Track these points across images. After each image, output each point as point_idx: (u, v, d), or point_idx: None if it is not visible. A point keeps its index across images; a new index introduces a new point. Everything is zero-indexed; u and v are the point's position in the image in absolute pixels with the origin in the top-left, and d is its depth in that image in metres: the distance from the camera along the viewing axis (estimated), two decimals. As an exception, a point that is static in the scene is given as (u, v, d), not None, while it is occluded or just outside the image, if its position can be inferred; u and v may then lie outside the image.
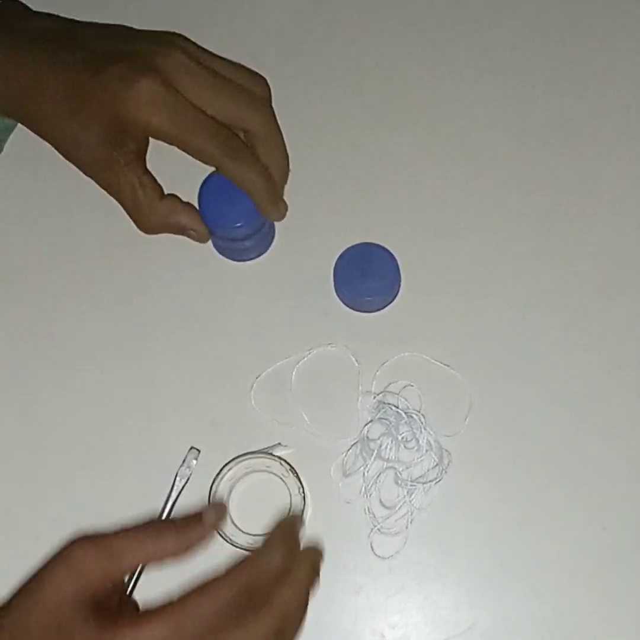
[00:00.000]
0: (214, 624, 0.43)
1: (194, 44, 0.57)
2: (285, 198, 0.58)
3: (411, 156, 0.63)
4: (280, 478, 0.56)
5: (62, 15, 0.58)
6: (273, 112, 0.57)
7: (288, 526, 0.48)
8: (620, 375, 0.59)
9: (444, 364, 0.59)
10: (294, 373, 0.59)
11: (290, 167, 0.58)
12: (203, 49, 0.57)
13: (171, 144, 0.54)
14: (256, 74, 0.58)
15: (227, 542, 0.53)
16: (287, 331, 0.60)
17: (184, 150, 0.54)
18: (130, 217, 0.56)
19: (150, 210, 0.56)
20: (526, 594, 0.56)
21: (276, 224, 0.61)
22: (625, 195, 0.63)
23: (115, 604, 0.48)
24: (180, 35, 0.57)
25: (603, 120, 0.64)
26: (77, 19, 0.58)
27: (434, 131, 0.64)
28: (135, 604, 0.51)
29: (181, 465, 0.56)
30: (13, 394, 0.59)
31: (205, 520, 0.47)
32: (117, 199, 0.56)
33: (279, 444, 0.56)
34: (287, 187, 0.59)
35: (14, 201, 0.62)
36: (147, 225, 0.57)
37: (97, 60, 0.54)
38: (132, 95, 0.52)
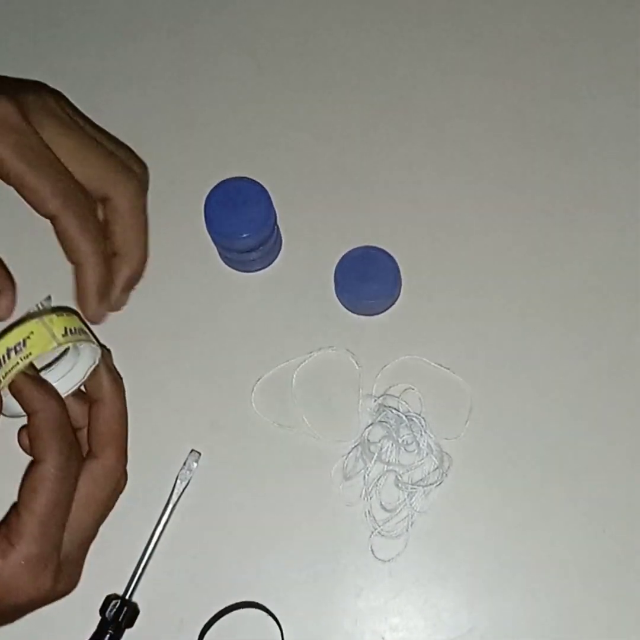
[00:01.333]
0: (60, 506, 0.44)
1: (73, 106, 0.51)
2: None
3: (412, 160, 0.63)
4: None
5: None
6: (143, 194, 0.50)
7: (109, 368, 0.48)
8: (619, 379, 0.59)
9: (445, 367, 0.59)
10: (294, 376, 0.59)
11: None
12: (84, 116, 0.51)
13: (7, 179, 0.45)
14: (137, 156, 0.52)
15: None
16: (288, 334, 0.60)
17: (20, 191, 0.45)
18: None
19: None
20: (526, 597, 0.56)
21: (279, 226, 0.61)
22: (625, 199, 0.63)
23: None
24: (59, 92, 0.51)
25: (604, 123, 0.64)
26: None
27: (435, 135, 0.64)
28: None
29: (182, 468, 0.56)
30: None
31: None
32: None
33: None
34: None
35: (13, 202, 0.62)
36: None
37: None
38: None
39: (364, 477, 0.57)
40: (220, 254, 0.60)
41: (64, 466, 0.44)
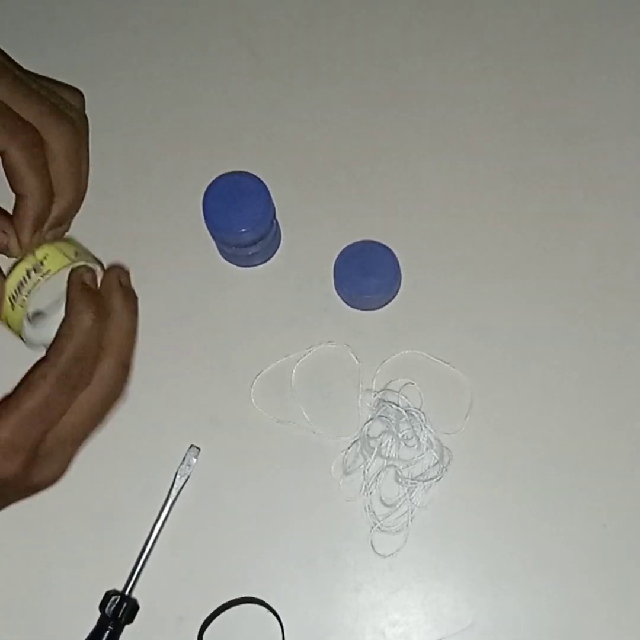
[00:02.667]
0: (50, 408, 0.45)
1: (6, 55, 0.51)
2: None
3: (411, 154, 0.63)
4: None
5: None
6: (76, 137, 0.49)
7: (78, 280, 0.48)
8: (620, 373, 0.59)
9: (445, 362, 0.59)
10: (294, 371, 0.59)
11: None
12: (18, 65, 0.51)
13: None
14: (75, 97, 0.51)
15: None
16: (287, 329, 0.59)
17: None
18: None
19: None
20: (526, 592, 0.56)
21: (278, 220, 0.60)
22: (625, 193, 0.62)
23: None
24: None
25: (608, 121, 0.64)
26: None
27: (436, 129, 0.64)
28: None
29: (181, 463, 0.56)
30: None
31: None
32: None
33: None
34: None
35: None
36: None
37: None
38: None
39: (364, 472, 0.57)
40: (218, 248, 0.60)
41: (65, 371, 0.45)
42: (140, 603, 0.55)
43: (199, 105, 0.64)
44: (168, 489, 0.56)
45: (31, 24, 0.67)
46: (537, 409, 0.58)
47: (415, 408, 0.58)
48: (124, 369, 0.49)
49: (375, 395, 0.58)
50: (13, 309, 0.48)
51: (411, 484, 0.56)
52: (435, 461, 0.57)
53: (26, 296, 0.47)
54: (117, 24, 0.66)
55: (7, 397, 0.46)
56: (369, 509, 0.56)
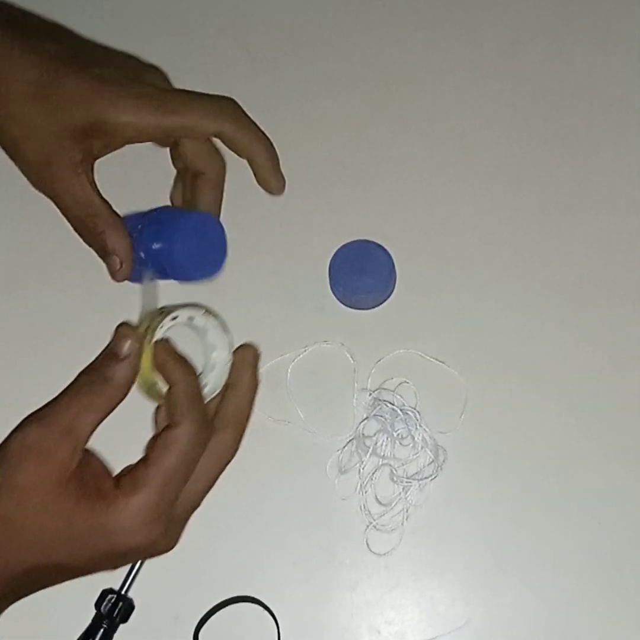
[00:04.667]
0: (184, 476, 0.47)
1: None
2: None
3: (407, 154, 0.63)
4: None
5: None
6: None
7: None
8: (615, 372, 0.59)
9: (440, 361, 0.59)
10: (289, 370, 0.59)
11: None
12: None
13: (153, 139, 0.54)
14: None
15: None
16: (282, 329, 0.60)
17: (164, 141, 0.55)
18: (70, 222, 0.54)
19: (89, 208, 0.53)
20: (522, 590, 0.56)
21: (273, 220, 0.60)
22: (622, 194, 0.62)
23: (90, 474, 0.47)
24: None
25: (602, 118, 0.64)
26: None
27: (431, 129, 0.64)
28: (105, 468, 0.49)
29: (177, 463, 0.56)
30: (15, 391, 0.59)
31: (120, 353, 0.47)
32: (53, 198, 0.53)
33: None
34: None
35: (18, 201, 0.62)
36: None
37: (82, 57, 0.52)
38: (118, 96, 0.51)
39: (359, 471, 0.57)
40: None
41: (196, 433, 0.47)
42: (136, 601, 0.55)
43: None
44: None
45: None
46: (532, 407, 0.58)
47: (410, 407, 0.58)
48: (241, 440, 0.50)
49: (370, 394, 0.58)
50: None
51: (406, 482, 0.56)
52: (430, 460, 0.57)
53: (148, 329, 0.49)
54: (112, 29, 0.66)
55: (141, 462, 0.47)
56: (364, 507, 0.56)
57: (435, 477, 0.57)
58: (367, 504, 0.57)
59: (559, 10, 0.66)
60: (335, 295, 0.60)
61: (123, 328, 0.48)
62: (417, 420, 0.57)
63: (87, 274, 0.60)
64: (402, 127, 0.64)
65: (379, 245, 0.59)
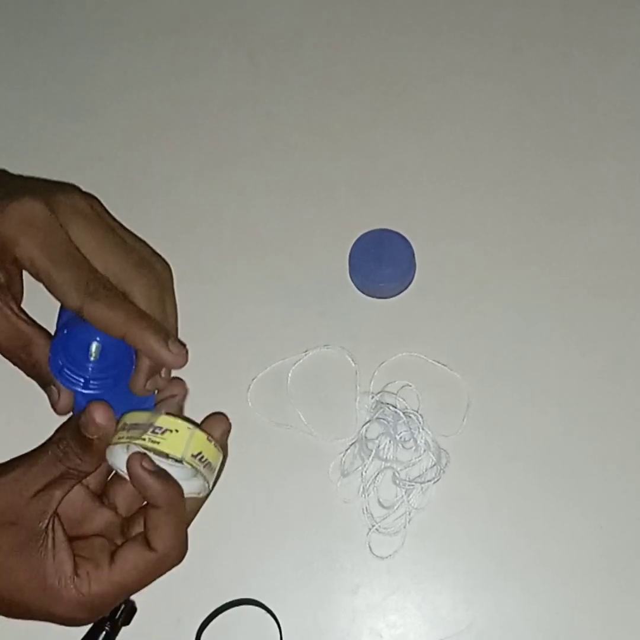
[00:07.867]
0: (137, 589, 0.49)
1: (103, 207, 0.53)
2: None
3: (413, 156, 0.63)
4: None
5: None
6: (161, 288, 0.52)
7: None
8: (616, 376, 0.59)
9: (442, 364, 0.59)
10: (290, 374, 0.59)
11: None
12: (112, 216, 0.54)
13: (37, 277, 0.49)
14: (158, 254, 0.54)
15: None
16: (283, 332, 0.60)
17: (48, 287, 0.49)
18: None
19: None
20: (524, 593, 0.56)
21: (277, 216, 0.61)
22: (628, 198, 0.63)
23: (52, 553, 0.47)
24: (91, 195, 0.54)
25: (609, 116, 0.64)
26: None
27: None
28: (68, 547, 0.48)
29: (179, 466, 0.56)
30: (15, 392, 0.59)
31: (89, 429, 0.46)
32: None
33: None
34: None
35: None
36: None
37: None
38: (9, 211, 0.48)
39: (362, 474, 0.57)
40: None
41: (172, 563, 0.49)
42: (138, 604, 0.55)
43: (197, 106, 0.65)
44: (166, 491, 0.56)
45: (30, 26, 0.67)
46: (534, 411, 0.58)
47: (412, 410, 0.58)
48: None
49: (372, 397, 0.58)
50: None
51: (409, 485, 0.56)
52: (433, 463, 0.57)
53: (125, 438, 0.46)
54: (113, 34, 0.67)
55: (108, 560, 0.47)
56: (366, 510, 0.56)
57: (437, 480, 0.56)
58: (369, 507, 0.56)
59: (563, 17, 0.67)
60: (354, 283, 0.60)
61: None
62: (420, 423, 0.57)
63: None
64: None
65: (401, 235, 0.59)
